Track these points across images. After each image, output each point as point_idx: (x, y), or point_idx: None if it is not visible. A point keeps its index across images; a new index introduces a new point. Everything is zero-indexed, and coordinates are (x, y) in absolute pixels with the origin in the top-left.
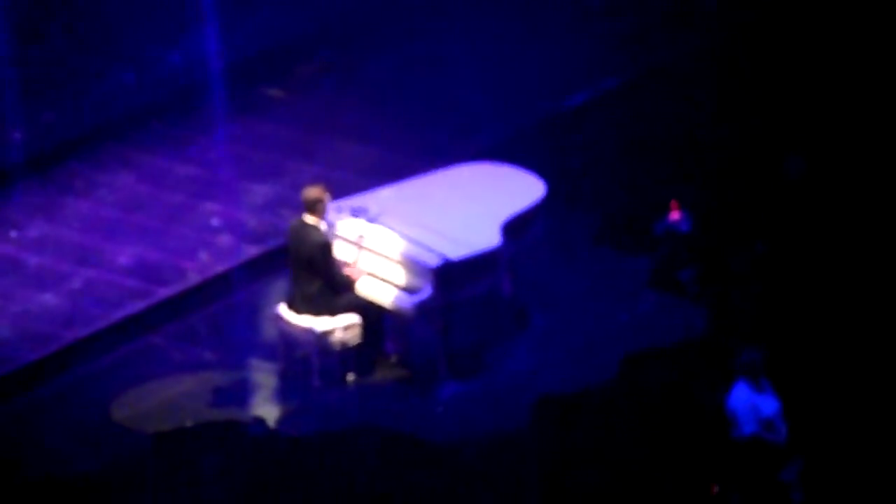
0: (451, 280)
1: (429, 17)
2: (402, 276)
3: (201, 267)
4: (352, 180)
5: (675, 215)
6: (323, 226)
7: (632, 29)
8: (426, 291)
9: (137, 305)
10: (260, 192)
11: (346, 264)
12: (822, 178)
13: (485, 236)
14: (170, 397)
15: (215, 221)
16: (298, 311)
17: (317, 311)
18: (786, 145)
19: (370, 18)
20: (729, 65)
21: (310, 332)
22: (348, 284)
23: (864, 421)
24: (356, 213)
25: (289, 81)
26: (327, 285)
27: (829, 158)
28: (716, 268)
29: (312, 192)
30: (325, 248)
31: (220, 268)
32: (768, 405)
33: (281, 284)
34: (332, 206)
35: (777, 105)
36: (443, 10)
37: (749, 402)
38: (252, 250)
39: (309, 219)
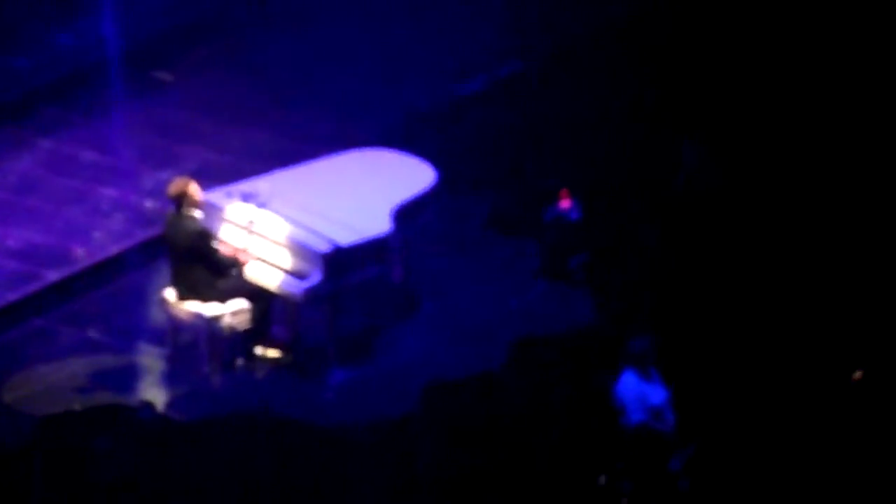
0: (340, 266)
1: (323, 2)
2: (291, 262)
3: (91, 250)
4: (241, 165)
5: (565, 203)
6: (198, 214)
7: (526, 13)
8: (316, 277)
9: (25, 288)
10: (151, 176)
11: (233, 248)
12: (717, 164)
13: (375, 222)
14: (58, 380)
15: (105, 205)
16: (183, 297)
17: (203, 297)
18: (679, 129)
19: (263, 1)
20: (621, 47)
21: (199, 316)
22: (231, 267)
23: (752, 409)
24: (246, 197)
25: (180, 65)
26: (210, 271)
27: (723, 141)
28: (605, 255)
29: (174, 187)
30: (203, 235)
31: (109, 251)
32: (656, 394)
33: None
34: (221, 191)
35: (670, 89)
36: None
37: (637, 390)
38: (142, 234)
39: (184, 210)
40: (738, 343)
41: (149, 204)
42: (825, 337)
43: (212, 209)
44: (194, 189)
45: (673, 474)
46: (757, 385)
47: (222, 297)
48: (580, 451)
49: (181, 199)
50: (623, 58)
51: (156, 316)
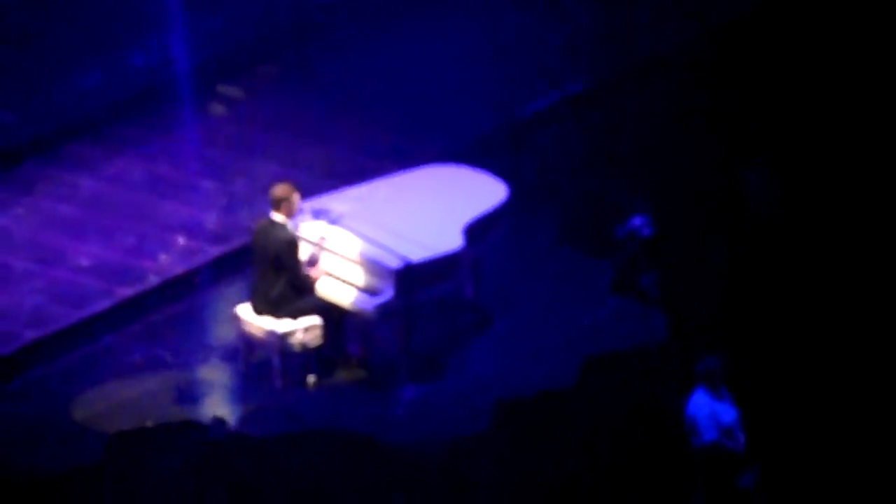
0: (412, 282)
1: (392, 19)
2: (363, 278)
3: (162, 267)
4: (312, 182)
5: (637, 220)
6: (290, 224)
7: (599, 32)
8: (388, 293)
9: (98, 305)
10: (221, 192)
11: (308, 265)
12: (786, 190)
13: (447, 239)
14: (129, 397)
15: (177, 221)
16: (260, 311)
17: (279, 312)
18: (748, 155)
19: (332, 19)
20: (695, 72)
21: (271, 333)
22: (311, 286)
23: (822, 428)
24: (318, 214)
25: (249, 82)
26: (291, 285)
27: (791, 170)
28: (677, 273)
29: (280, 190)
30: (292, 245)
31: (180, 268)
32: (727, 413)
33: (241, 285)
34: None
35: (742, 113)
36: (407, 11)
37: (709, 409)
38: (213, 250)
39: (276, 217)
40: (807, 362)
41: (220, 220)
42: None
43: None
44: (297, 197)
45: (746, 492)
46: (826, 404)
47: (296, 314)
48: (651, 470)
49: (281, 203)
50: (693, 78)
51: (228, 332)
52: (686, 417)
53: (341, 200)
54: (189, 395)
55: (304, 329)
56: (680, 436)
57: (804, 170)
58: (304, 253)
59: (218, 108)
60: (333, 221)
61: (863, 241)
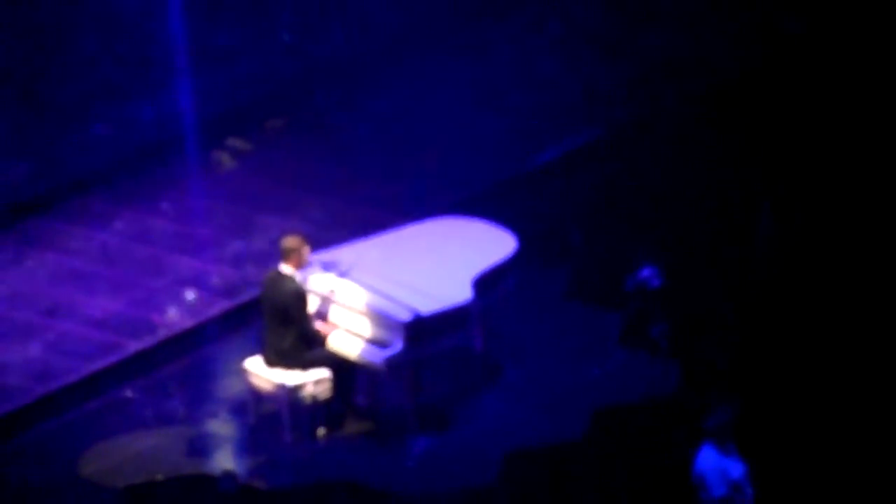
0: (422, 335)
1: (397, 70)
2: (373, 331)
3: (171, 320)
4: (321, 234)
5: (646, 271)
6: (298, 276)
7: (608, 82)
8: (397, 346)
9: (108, 359)
10: (230, 245)
11: (317, 318)
12: (797, 234)
13: (456, 291)
14: (139, 451)
15: (185, 275)
16: (271, 363)
17: (289, 364)
18: (757, 201)
19: (338, 72)
20: (700, 121)
21: (280, 386)
22: (320, 338)
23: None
24: (327, 267)
25: (258, 135)
26: (300, 337)
27: (802, 213)
28: (687, 324)
29: (290, 241)
30: (300, 297)
31: (190, 322)
32: (735, 468)
33: (250, 338)
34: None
35: (751, 160)
36: (412, 62)
37: (717, 464)
38: (221, 304)
39: (285, 268)
40: (819, 414)
41: (229, 273)
42: None
43: None
44: (307, 249)
45: None
46: (839, 454)
47: (306, 366)
48: None
49: (291, 254)
50: (699, 126)
51: (237, 386)
52: (694, 473)
53: (350, 253)
54: (199, 448)
55: (313, 381)
56: (689, 491)
57: (816, 214)
58: (313, 305)
59: (226, 162)
60: (342, 274)
61: (876, 284)
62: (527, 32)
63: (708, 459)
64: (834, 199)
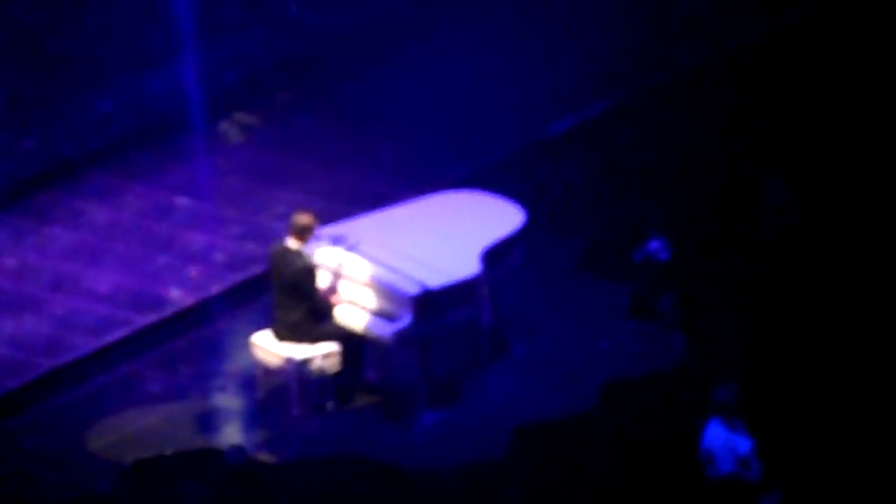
0: (430, 308)
1: (405, 45)
2: (381, 304)
3: (180, 295)
4: (330, 208)
5: (654, 243)
6: (305, 251)
7: (615, 53)
8: (405, 319)
9: (116, 334)
10: (238, 220)
11: (326, 292)
12: (807, 202)
13: (464, 264)
14: (147, 426)
15: (194, 249)
16: (281, 337)
17: (298, 338)
18: (767, 170)
19: (347, 46)
20: (712, 89)
21: (288, 360)
22: (329, 312)
23: (839, 457)
24: (335, 241)
25: (266, 109)
26: (310, 312)
27: (813, 183)
28: (695, 296)
29: (304, 218)
30: (310, 272)
31: (197, 296)
32: (743, 443)
33: (258, 313)
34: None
35: (760, 129)
36: (421, 37)
37: (724, 440)
38: (231, 278)
39: (292, 243)
40: (826, 389)
41: (237, 248)
42: None
43: None
44: (317, 225)
45: None
46: (844, 432)
47: (315, 340)
48: (668, 498)
49: (303, 231)
50: (709, 98)
51: (245, 360)
52: (701, 448)
53: (358, 227)
54: (207, 423)
55: (322, 355)
56: (697, 464)
57: (826, 183)
58: (322, 280)
59: (234, 135)
60: (351, 248)
61: (887, 254)
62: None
63: (715, 435)
64: (847, 171)
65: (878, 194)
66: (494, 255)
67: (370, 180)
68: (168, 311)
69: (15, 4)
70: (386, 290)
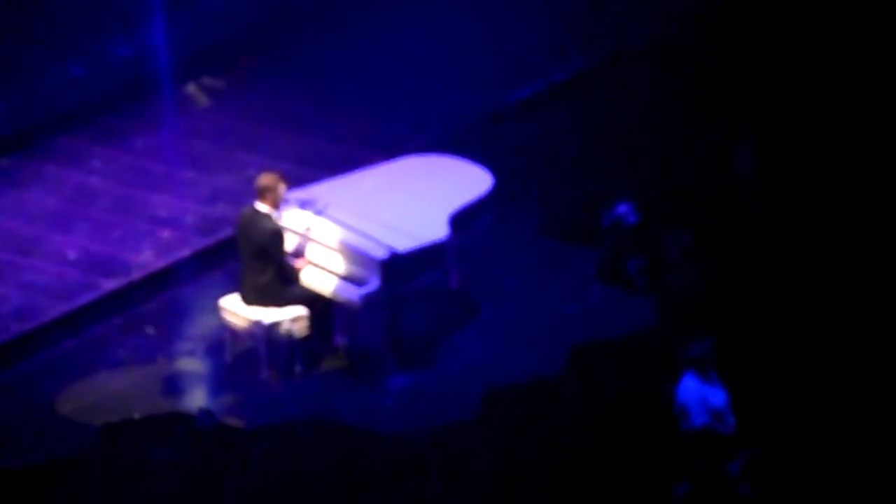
0: (398, 272)
1: (376, 8)
2: (349, 268)
3: (146, 259)
4: (298, 172)
5: (622, 207)
6: (275, 214)
7: (582, 19)
8: (374, 283)
9: (83, 298)
10: (206, 183)
11: (294, 256)
12: (776, 167)
13: (432, 228)
14: (117, 390)
15: (162, 214)
16: (249, 301)
17: (266, 302)
18: (736, 136)
19: (316, 9)
20: (679, 55)
21: (257, 324)
22: (297, 276)
23: (812, 412)
24: (303, 204)
25: (233, 73)
26: (278, 275)
27: (778, 149)
28: (661, 259)
29: (266, 179)
30: (277, 235)
31: (165, 260)
32: (717, 396)
33: (226, 276)
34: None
35: (725, 95)
36: (387, 3)
37: (698, 393)
38: (197, 242)
39: (261, 206)
40: (797, 344)
41: (205, 212)
42: (886, 340)
43: None
44: (283, 188)
45: (733, 478)
46: (817, 387)
47: (283, 303)
48: (640, 456)
49: (266, 192)
50: (676, 62)
51: (214, 324)
52: (676, 402)
53: (326, 190)
54: (176, 386)
55: (290, 319)
56: (670, 420)
57: (794, 148)
58: (289, 243)
59: (200, 99)
60: (319, 212)
61: (854, 219)
62: None
63: (689, 389)
64: (818, 135)
65: (847, 158)
66: (463, 219)
67: (338, 144)
68: (136, 275)
69: None
70: (354, 254)
